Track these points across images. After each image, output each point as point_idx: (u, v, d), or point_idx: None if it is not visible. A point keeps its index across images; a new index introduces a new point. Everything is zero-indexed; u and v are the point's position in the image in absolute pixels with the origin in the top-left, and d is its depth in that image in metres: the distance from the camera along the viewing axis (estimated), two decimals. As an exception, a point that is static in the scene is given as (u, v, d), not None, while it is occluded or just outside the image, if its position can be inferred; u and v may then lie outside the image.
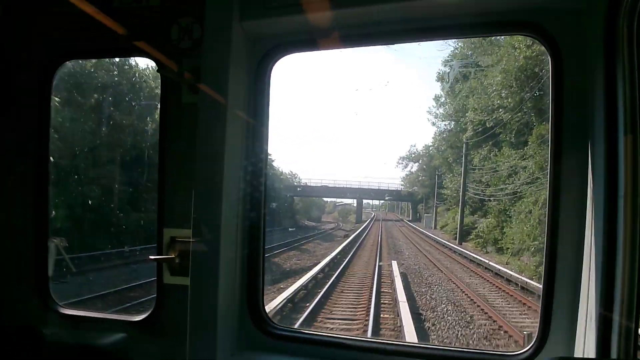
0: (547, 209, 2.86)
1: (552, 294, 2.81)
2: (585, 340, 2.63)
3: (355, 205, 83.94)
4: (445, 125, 49.59)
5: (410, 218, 73.83)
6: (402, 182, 66.57)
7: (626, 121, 2.39)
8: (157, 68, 3.31)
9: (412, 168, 64.64)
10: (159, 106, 3.51)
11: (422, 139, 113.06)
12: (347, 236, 47.71)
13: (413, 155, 64.46)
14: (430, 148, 59.68)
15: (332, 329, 14.46)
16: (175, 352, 2.88)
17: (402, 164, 64.78)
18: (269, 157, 3.38)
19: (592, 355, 2.50)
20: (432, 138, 68.25)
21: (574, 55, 2.76)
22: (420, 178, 62.98)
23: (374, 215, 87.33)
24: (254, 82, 3.25)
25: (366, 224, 67.65)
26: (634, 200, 2.35)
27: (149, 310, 3.41)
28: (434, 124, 55.68)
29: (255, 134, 3.25)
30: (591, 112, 2.65)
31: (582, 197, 2.70)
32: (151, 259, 3.24)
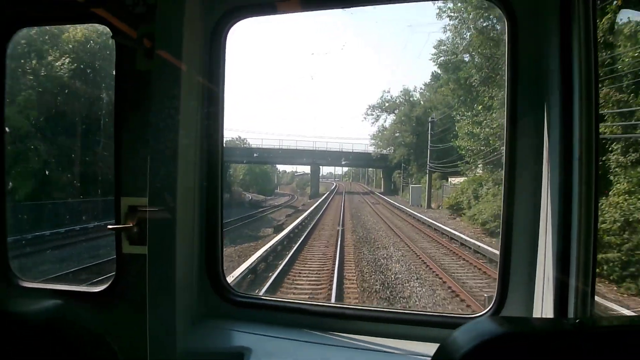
0: (503, 172, 2.90)
1: (510, 257, 2.89)
2: (543, 302, 2.72)
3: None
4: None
5: (383, 190, 58.68)
6: (373, 142, 52.98)
7: (581, 83, 2.44)
8: (111, 34, 3.22)
9: (385, 122, 54.51)
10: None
11: (397, 85, 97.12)
12: (279, 228, 28.49)
13: (387, 105, 51.02)
14: (413, 92, 49.60)
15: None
16: (136, 322, 2.87)
17: (372, 115, 51.67)
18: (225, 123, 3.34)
19: (551, 315, 2.57)
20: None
21: (529, 17, 2.80)
22: (398, 134, 48.78)
23: (336, 187, 74.22)
24: (209, 47, 3.23)
25: (323, 199, 52.52)
26: (588, 162, 2.42)
27: (109, 281, 3.36)
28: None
29: (211, 99, 3.23)
30: (546, 74, 2.71)
31: (538, 159, 2.76)
32: (109, 228, 3.20)
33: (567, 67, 2.52)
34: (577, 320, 1.29)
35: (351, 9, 3.37)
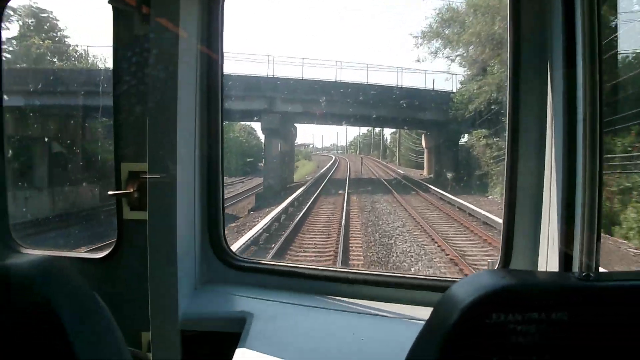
0: (506, 132, 2.90)
1: (514, 214, 2.93)
2: (548, 259, 2.77)
3: (312, 146, 47.91)
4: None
5: (428, 173, 35.60)
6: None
7: (584, 48, 2.44)
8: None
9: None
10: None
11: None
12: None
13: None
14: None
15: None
16: (138, 288, 2.91)
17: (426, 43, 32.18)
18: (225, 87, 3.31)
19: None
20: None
21: None
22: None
23: (335, 164, 47.45)
24: (207, 11, 3.21)
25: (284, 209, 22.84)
26: (592, 121, 2.45)
27: (110, 247, 3.40)
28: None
29: (210, 63, 3.21)
30: (550, 39, 2.72)
31: (542, 117, 2.81)
32: (110, 194, 3.23)
33: (571, 31, 2.53)
34: (583, 274, 1.29)
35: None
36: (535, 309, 1.16)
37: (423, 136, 36.33)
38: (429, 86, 33.16)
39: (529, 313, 1.16)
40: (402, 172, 40.75)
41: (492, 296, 1.21)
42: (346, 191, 28.61)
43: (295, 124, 37.59)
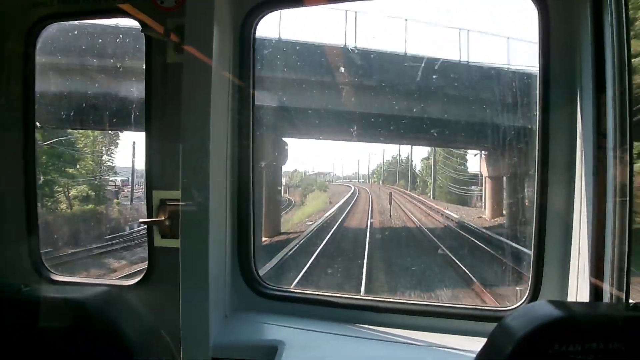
0: (536, 161, 2.89)
1: (544, 247, 2.94)
2: (578, 291, 2.72)
3: (332, 174, 36.12)
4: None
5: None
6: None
7: (614, 73, 2.43)
8: (140, 28, 3.28)
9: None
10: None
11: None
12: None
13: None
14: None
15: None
16: (168, 316, 2.94)
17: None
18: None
19: None
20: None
21: (560, 6, 2.81)
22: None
23: (354, 197, 32.95)
24: (239, 41, 3.29)
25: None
26: (622, 151, 2.41)
27: (141, 274, 3.44)
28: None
29: (241, 92, 3.30)
30: (579, 65, 2.71)
31: (572, 148, 2.82)
32: (141, 222, 3.28)
33: (600, 56, 2.52)
34: (631, 305, 1.30)
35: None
36: (594, 340, 1.17)
37: (481, 158, 22.73)
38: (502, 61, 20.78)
39: (589, 343, 1.17)
40: (447, 211, 25.23)
41: (551, 327, 1.23)
42: (365, 264, 14.68)
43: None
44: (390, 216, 24.74)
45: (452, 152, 30.75)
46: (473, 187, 27.20)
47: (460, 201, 28.90)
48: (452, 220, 22.83)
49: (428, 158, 33.85)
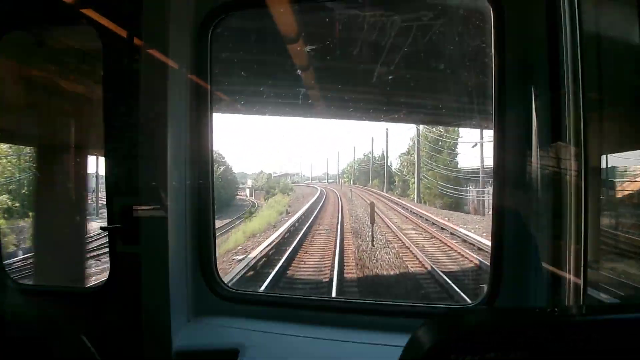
0: (492, 163, 2.91)
1: (502, 249, 2.93)
2: (536, 294, 2.79)
3: (300, 175, 36.51)
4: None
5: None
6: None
7: (569, 72, 2.47)
8: (98, 34, 3.25)
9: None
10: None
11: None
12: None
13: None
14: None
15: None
16: (131, 321, 2.91)
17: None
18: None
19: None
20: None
21: (515, 6, 2.86)
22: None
23: (320, 201, 28.46)
24: (197, 44, 3.26)
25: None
26: (577, 150, 2.44)
27: (103, 281, 3.41)
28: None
29: (199, 96, 3.28)
30: (535, 64, 2.74)
31: (527, 148, 2.84)
32: (102, 228, 3.25)
33: (555, 56, 2.57)
34: (548, 309, 1.29)
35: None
36: (495, 349, 1.16)
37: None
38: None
39: (488, 353, 1.15)
40: (458, 228, 17.39)
41: (452, 340, 1.22)
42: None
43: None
44: (373, 244, 16.16)
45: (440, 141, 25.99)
46: (465, 189, 23.41)
47: (453, 205, 23.86)
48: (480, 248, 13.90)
49: (409, 153, 29.41)
